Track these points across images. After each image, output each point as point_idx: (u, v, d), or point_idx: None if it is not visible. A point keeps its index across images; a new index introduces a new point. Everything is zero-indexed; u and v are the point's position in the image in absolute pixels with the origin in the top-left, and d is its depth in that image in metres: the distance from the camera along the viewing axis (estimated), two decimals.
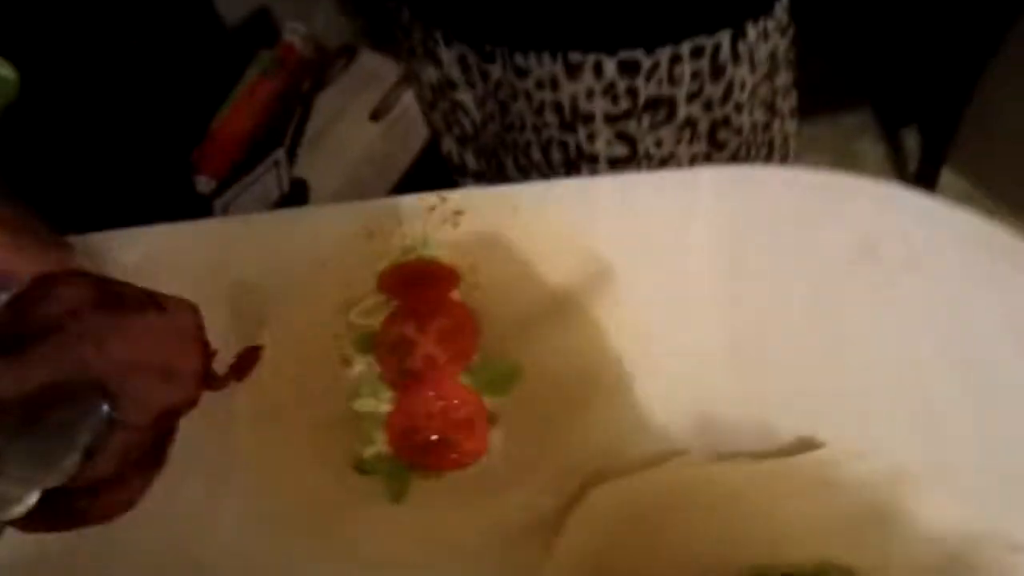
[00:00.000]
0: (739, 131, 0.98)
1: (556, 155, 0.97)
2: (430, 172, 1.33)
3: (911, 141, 2.10)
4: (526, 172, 1.02)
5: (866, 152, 2.13)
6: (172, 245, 0.74)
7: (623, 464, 0.56)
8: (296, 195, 1.28)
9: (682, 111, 0.92)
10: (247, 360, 0.59)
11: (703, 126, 0.94)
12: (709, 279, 0.67)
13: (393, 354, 0.62)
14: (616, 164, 0.97)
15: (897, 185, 0.69)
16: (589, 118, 0.91)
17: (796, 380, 0.59)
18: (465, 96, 0.97)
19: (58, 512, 0.39)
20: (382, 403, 0.60)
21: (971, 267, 0.63)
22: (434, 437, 0.58)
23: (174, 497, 0.53)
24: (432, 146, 1.27)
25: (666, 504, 0.53)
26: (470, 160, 1.09)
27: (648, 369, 0.61)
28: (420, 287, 0.66)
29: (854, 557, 0.49)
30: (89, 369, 0.39)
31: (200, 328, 0.47)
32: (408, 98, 1.26)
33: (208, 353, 0.48)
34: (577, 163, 0.97)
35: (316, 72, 1.35)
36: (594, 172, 0.96)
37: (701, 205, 0.72)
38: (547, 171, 0.99)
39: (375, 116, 1.29)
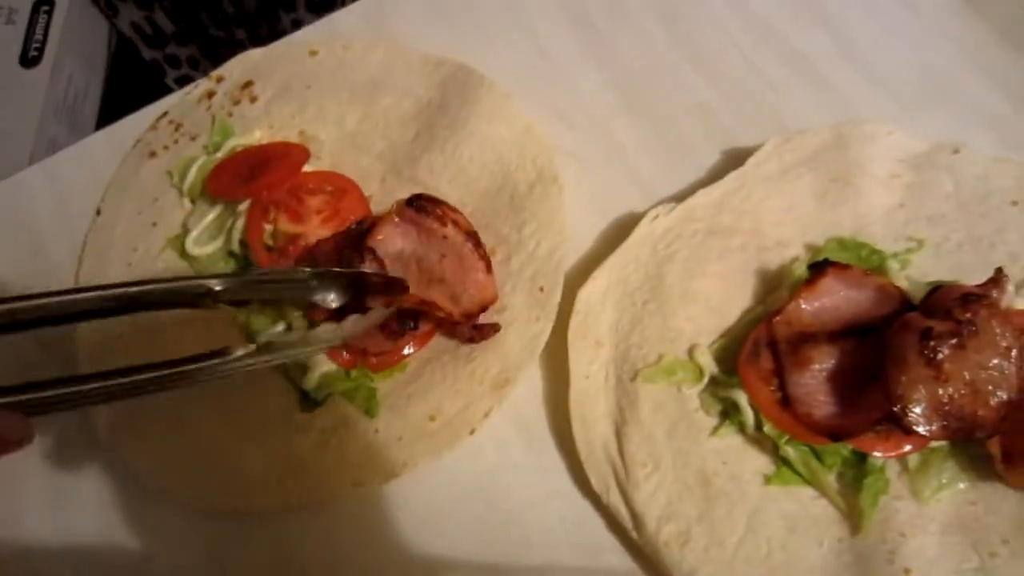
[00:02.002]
0: None
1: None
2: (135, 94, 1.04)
3: None
4: (226, 25, 0.95)
5: None
6: None
7: None
8: None
9: None
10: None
11: None
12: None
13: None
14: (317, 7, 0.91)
15: None
16: None
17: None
18: None
19: None
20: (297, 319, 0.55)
21: None
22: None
23: None
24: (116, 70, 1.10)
25: None
26: (166, 25, 1.01)
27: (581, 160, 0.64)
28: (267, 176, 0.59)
29: None
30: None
31: None
32: (56, 24, 1.02)
33: None
34: (275, 6, 0.93)
35: None
36: (296, 13, 0.93)
37: None
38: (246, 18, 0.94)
39: (26, 60, 1.02)
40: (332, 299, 0.52)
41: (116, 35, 1.16)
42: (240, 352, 0.45)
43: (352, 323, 0.51)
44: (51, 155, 1.00)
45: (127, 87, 1.17)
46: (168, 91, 0.71)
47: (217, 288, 0.46)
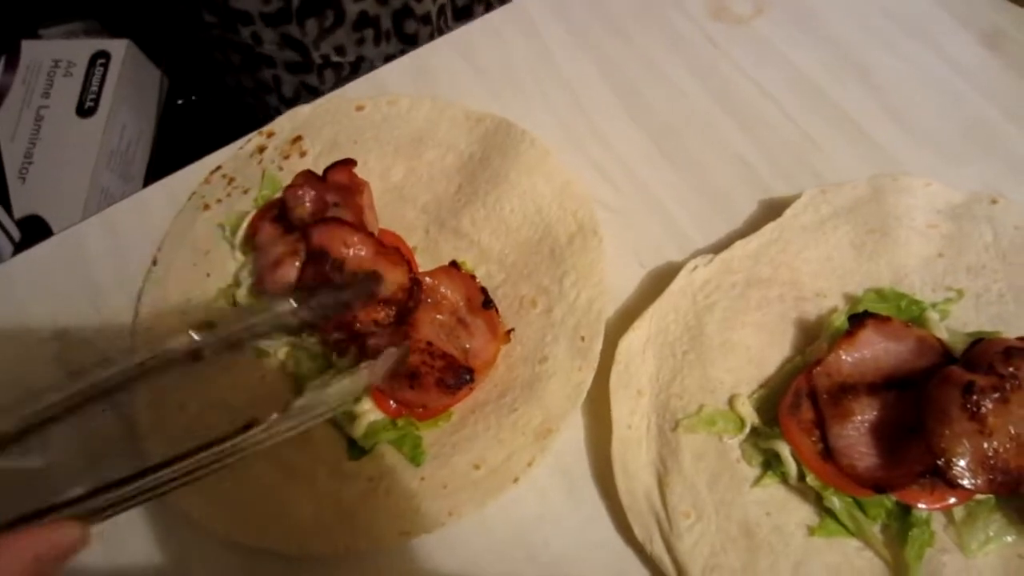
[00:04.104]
0: (426, 19, 0.96)
1: (234, 57, 0.95)
2: (180, 144, 1.18)
3: None
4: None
5: None
6: None
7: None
8: (35, 236, 0.94)
9: (351, 9, 0.90)
10: None
11: (385, 23, 0.94)
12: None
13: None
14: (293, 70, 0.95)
15: None
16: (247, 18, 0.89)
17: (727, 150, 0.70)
18: None
19: None
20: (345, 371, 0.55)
21: None
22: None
23: None
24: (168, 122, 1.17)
25: None
26: None
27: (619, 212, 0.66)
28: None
29: None
30: None
31: None
32: (112, 76, 1.08)
33: None
34: (257, 65, 0.95)
35: None
36: (275, 76, 0.96)
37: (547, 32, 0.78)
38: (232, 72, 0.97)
39: (83, 110, 1.07)
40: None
41: (168, 83, 1.22)
42: (270, 420, 0.46)
43: (369, 370, 0.51)
44: (104, 202, 1.04)
45: (176, 133, 1.22)
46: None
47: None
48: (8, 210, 1.02)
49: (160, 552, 0.57)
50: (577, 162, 0.68)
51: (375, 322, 0.55)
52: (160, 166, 1.14)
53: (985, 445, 0.43)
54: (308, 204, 0.60)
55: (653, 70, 0.75)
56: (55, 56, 1.10)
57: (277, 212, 0.61)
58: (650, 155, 0.69)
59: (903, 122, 0.69)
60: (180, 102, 1.26)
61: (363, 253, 0.57)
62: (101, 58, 1.10)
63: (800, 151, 0.68)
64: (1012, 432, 0.44)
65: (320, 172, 0.63)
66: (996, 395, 0.44)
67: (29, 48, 1.11)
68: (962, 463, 0.43)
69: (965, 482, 0.43)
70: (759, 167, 0.68)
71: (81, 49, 1.11)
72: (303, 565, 0.54)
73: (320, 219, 0.58)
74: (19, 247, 0.99)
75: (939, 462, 0.44)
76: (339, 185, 0.60)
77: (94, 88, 1.09)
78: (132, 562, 0.56)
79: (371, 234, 0.58)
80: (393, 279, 0.56)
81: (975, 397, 0.44)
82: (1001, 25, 0.73)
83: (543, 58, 0.76)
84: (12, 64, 1.10)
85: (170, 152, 1.19)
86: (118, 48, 1.11)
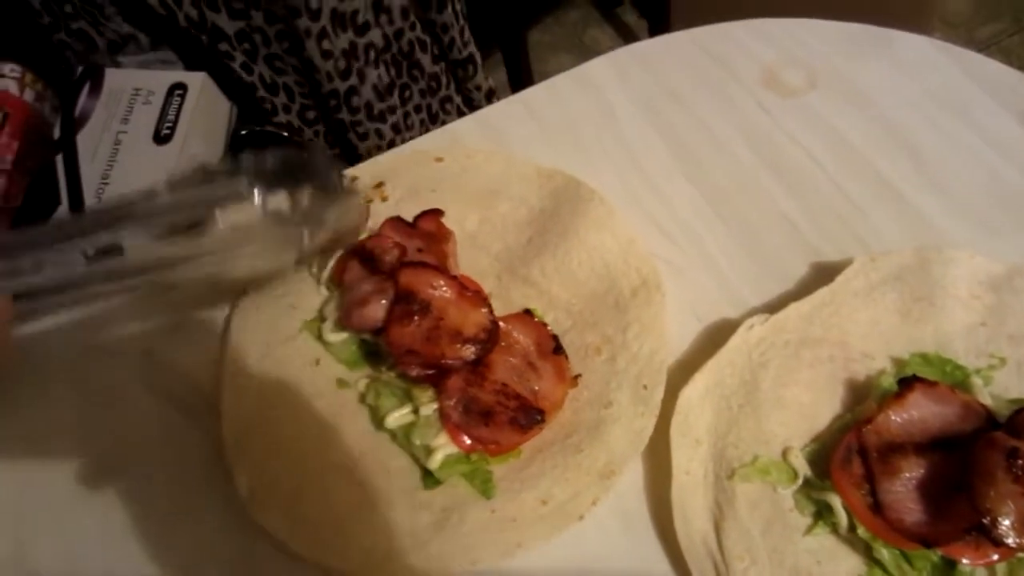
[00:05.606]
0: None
1: None
2: None
3: (631, 17, 2.35)
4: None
5: (597, 38, 2.32)
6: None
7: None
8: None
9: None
10: None
11: None
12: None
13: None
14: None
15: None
16: None
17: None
18: None
19: None
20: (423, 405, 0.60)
21: None
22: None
23: None
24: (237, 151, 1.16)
25: None
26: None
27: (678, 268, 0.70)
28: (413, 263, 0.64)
29: None
30: None
31: None
32: (188, 106, 1.10)
33: None
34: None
35: (62, 112, 1.09)
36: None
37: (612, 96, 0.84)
38: None
39: (159, 137, 1.10)
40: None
41: (236, 113, 1.28)
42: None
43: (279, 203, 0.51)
44: None
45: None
46: None
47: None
48: None
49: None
50: (637, 220, 0.72)
51: (456, 359, 0.59)
52: None
53: None
54: (395, 249, 0.65)
55: (708, 134, 0.80)
56: (136, 85, 1.16)
57: (365, 253, 0.66)
58: (705, 215, 0.74)
59: (944, 194, 0.73)
60: (243, 132, 1.32)
61: (448, 295, 0.61)
62: (179, 89, 1.16)
63: (846, 217, 0.73)
64: None
65: (400, 216, 0.69)
66: None
67: (112, 76, 1.17)
68: (1007, 523, 0.47)
69: (1010, 540, 0.47)
70: (807, 230, 0.72)
71: (161, 80, 1.16)
72: None
73: (408, 262, 0.62)
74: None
75: (985, 520, 0.47)
76: (426, 232, 0.65)
77: (171, 117, 1.15)
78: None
79: (454, 277, 0.63)
80: (476, 320, 0.60)
81: (1020, 461, 0.48)
82: None
83: (606, 120, 0.81)
84: (96, 90, 1.15)
85: None
86: (195, 81, 1.16)
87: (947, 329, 0.62)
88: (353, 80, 0.99)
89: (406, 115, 1.09)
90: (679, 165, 0.78)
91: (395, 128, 1.07)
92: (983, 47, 2.20)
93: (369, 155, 0.98)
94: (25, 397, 0.69)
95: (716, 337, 0.64)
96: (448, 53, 1.08)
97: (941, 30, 2.13)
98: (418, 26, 1.02)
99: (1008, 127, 0.78)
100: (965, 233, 0.71)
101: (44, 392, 0.69)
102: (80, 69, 1.06)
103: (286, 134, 1.18)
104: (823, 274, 0.67)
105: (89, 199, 1.10)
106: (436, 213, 0.68)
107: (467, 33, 1.07)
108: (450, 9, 1.02)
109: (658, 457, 0.60)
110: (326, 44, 0.94)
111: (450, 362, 0.60)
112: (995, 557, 0.50)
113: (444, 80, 1.10)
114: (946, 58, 0.84)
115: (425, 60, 1.05)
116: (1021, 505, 0.47)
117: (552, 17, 2.30)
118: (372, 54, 0.99)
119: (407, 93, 1.08)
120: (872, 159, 0.77)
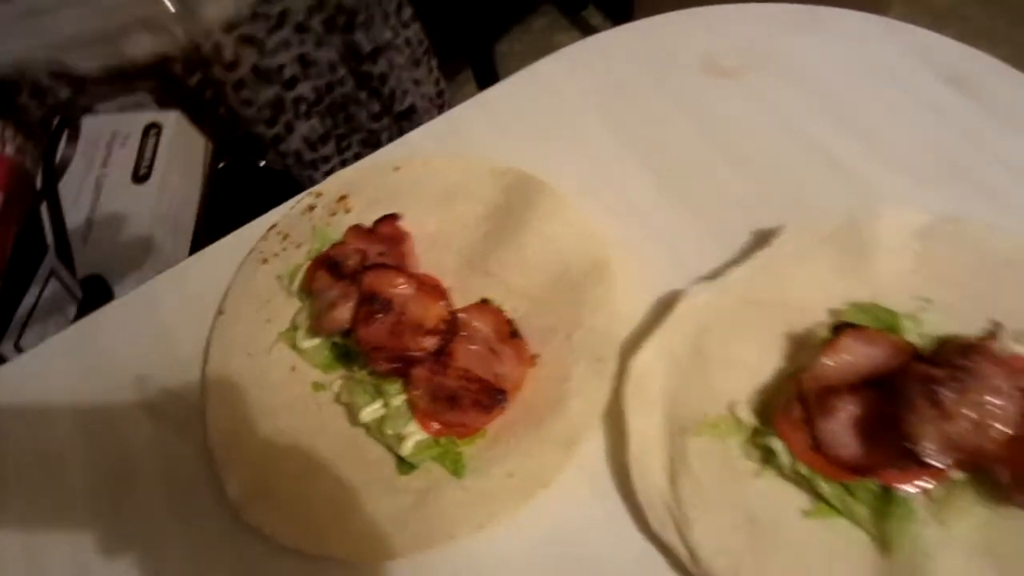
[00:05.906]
0: None
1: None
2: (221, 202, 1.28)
3: (597, 19, 2.40)
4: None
5: (565, 42, 2.36)
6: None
7: None
8: (96, 294, 1.09)
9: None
10: None
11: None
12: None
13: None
14: None
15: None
16: None
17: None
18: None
19: None
20: (393, 397, 0.64)
21: None
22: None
23: None
24: (217, 184, 1.24)
25: None
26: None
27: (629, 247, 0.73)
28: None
29: None
30: None
31: None
32: (164, 144, 1.17)
33: None
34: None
35: (43, 161, 1.14)
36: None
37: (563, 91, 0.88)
38: None
39: (138, 177, 1.17)
40: None
41: (212, 147, 1.33)
42: None
43: None
44: (158, 259, 1.15)
45: (218, 193, 1.33)
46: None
47: None
48: (72, 271, 1.13)
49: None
50: (590, 206, 0.76)
51: (419, 350, 0.63)
52: (207, 224, 1.25)
53: (947, 428, 0.51)
54: (356, 254, 0.69)
55: (655, 120, 0.84)
56: (113, 128, 1.21)
57: (329, 261, 0.70)
58: (655, 197, 0.78)
59: (879, 155, 0.77)
60: (221, 165, 1.37)
61: (408, 291, 0.66)
62: (153, 128, 1.21)
63: (787, 186, 0.77)
64: (970, 416, 0.51)
65: (360, 224, 0.73)
66: (955, 385, 0.51)
67: (88, 123, 1.22)
68: (930, 445, 0.51)
69: (933, 460, 0.50)
70: (751, 204, 0.76)
71: (135, 121, 1.22)
72: (360, 569, 0.62)
73: (369, 265, 0.67)
74: (83, 304, 1.09)
75: (909, 445, 0.51)
76: (385, 236, 0.70)
77: (148, 156, 1.20)
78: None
79: (413, 275, 0.67)
80: (435, 313, 0.65)
81: (936, 387, 0.51)
82: (962, 69, 0.82)
83: (558, 114, 0.86)
84: (73, 138, 1.21)
85: (214, 210, 1.31)
86: (168, 119, 1.21)
87: (880, 280, 0.65)
88: (279, 129, 1.02)
89: (344, 162, 1.10)
90: (628, 151, 0.82)
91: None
92: (941, 16, 2.25)
93: None
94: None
95: (667, 308, 0.68)
96: (391, 105, 1.11)
97: (900, 6, 2.17)
98: (350, 81, 1.05)
99: (935, 88, 0.82)
100: (899, 190, 0.74)
101: (49, 413, 0.74)
102: (57, 119, 1.11)
103: (263, 164, 1.23)
104: (765, 242, 0.70)
105: (76, 243, 1.16)
106: (393, 218, 0.72)
107: (407, 83, 1.10)
108: (384, 59, 1.05)
109: (616, 423, 0.63)
110: (245, 94, 0.97)
111: (414, 354, 0.64)
112: (926, 479, 0.53)
113: (388, 134, 1.12)
114: (874, 28, 0.88)
115: (361, 114, 1.08)
116: (942, 428, 0.51)
117: (519, 26, 2.34)
118: (303, 107, 1.02)
119: (344, 143, 1.10)
120: (810, 130, 0.80)
